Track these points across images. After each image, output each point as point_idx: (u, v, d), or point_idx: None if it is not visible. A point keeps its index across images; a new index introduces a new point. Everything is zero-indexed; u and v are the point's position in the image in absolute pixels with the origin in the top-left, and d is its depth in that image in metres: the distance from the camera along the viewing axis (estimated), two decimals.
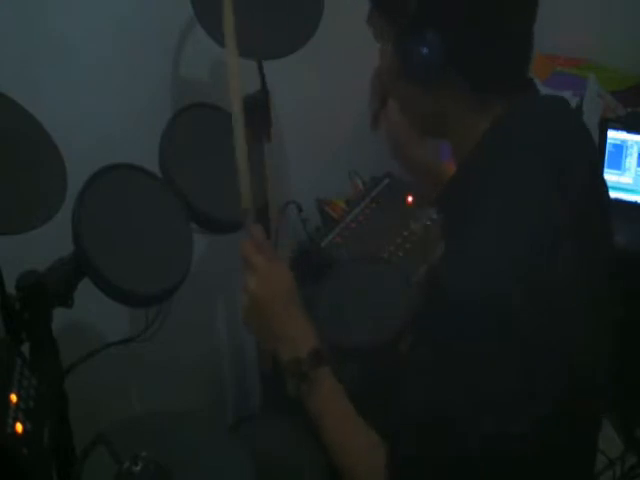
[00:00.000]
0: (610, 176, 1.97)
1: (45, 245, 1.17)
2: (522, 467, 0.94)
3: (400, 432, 0.97)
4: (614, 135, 1.96)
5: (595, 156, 1.09)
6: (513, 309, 0.89)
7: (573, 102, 2.19)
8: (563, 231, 0.96)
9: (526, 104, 1.03)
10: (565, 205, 0.98)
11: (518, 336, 0.89)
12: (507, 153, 0.99)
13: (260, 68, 1.54)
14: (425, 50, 0.95)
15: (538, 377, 0.91)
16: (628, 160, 1.96)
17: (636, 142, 1.95)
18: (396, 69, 1.00)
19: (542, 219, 0.95)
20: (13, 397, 0.96)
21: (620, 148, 1.96)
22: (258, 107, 1.55)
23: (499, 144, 1.00)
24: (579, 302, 0.96)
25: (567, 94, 2.23)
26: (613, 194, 1.95)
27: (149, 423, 1.30)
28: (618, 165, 1.96)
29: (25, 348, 1.11)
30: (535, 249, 0.93)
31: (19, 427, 0.94)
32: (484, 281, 0.90)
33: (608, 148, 1.96)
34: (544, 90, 2.37)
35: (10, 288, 1.08)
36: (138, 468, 1.10)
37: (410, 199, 2.01)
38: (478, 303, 0.89)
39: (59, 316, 1.15)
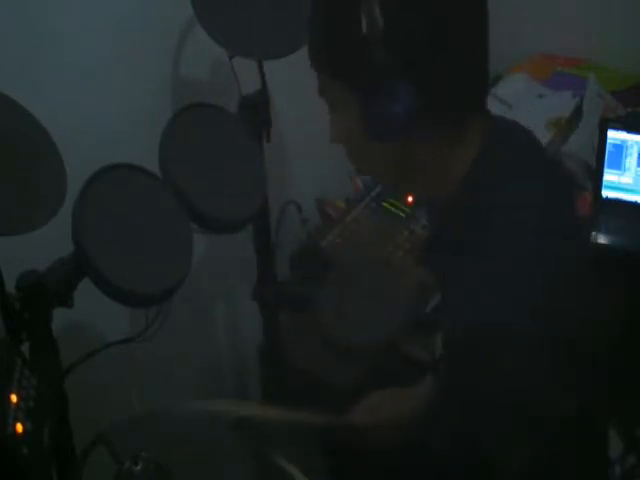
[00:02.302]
0: (610, 176, 1.97)
1: (45, 245, 1.17)
2: None
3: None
4: (614, 135, 1.95)
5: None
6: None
7: (573, 102, 2.19)
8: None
9: (499, 127, 1.04)
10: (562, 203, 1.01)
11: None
12: (503, 178, 1.00)
13: (260, 68, 1.54)
14: (401, 105, 0.94)
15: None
16: (628, 160, 1.96)
17: (636, 142, 1.95)
18: (363, 131, 0.99)
19: (549, 233, 0.97)
20: (13, 397, 0.96)
21: (620, 148, 1.96)
22: (258, 107, 1.55)
23: (492, 172, 1.00)
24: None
25: (567, 94, 2.23)
26: (613, 194, 1.97)
27: (149, 423, 1.30)
28: (618, 165, 1.96)
29: (25, 348, 1.11)
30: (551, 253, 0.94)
31: (19, 427, 0.94)
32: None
33: (608, 148, 1.96)
34: (544, 90, 2.38)
35: (10, 288, 1.08)
36: (138, 468, 1.10)
37: (410, 199, 2.01)
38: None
39: (59, 316, 1.15)
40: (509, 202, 0.97)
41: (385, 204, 2.03)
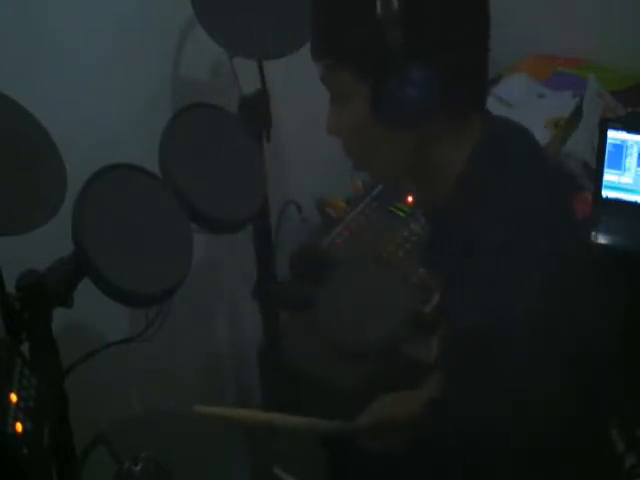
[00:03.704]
0: (610, 176, 1.97)
1: (45, 245, 1.17)
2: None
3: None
4: (614, 135, 1.95)
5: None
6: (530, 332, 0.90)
7: (573, 102, 2.19)
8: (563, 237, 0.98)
9: (497, 126, 1.04)
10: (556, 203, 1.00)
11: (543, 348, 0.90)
12: (499, 175, 0.99)
13: (260, 68, 1.54)
14: (415, 91, 0.92)
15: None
16: (628, 160, 1.96)
17: (636, 142, 1.95)
18: (370, 119, 0.97)
19: (547, 231, 0.96)
20: (13, 397, 0.96)
21: (620, 148, 1.96)
22: (258, 107, 1.55)
23: (488, 169, 0.99)
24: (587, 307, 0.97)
25: (567, 94, 2.23)
26: (613, 194, 1.97)
27: (149, 423, 1.30)
28: (618, 165, 1.96)
29: (25, 348, 1.11)
30: (547, 265, 0.93)
31: (19, 427, 0.94)
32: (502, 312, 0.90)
33: (608, 148, 1.96)
34: (544, 90, 2.38)
35: (10, 288, 1.08)
36: (138, 468, 1.10)
37: (410, 199, 2.01)
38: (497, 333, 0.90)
39: (59, 316, 1.15)
40: (501, 201, 0.97)
41: (385, 204, 2.02)
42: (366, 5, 0.92)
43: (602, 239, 1.87)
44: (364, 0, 0.92)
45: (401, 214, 1.99)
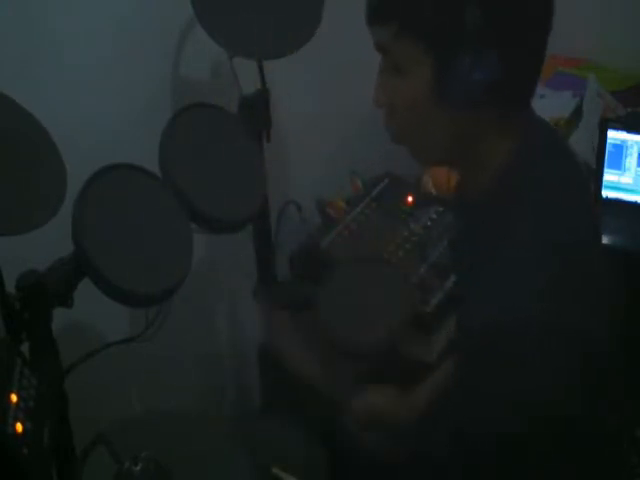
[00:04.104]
0: (610, 176, 1.97)
1: (45, 245, 1.17)
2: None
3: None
4: (614, 135, 1.95)
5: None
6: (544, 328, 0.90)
7: (573, 102, 2.19)
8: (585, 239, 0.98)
9: (539, 125, 1.04)
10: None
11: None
12: (542, 174, 0.99)
13: (260, 68, 1.54)
14: (481, 74, 0.90)
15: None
16: (628, 160, 1.96)
17: (636, 142, 1.95)
18: (430, 95, 0.94)
19: (572, 234, 0.96)
20: (13, 397, 0.96)
21: (620, 148, 1.96)
22: (258, 107, 1.55)
23: (531, 166, 0.99)
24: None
25: (567, 94, 2.23)
26: (613, 194, 1.97)
27: (149, 423, 1.30)
28: (618, 165, 1.96)
29: (25, 348, 1.11)
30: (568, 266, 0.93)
31: (19, 427, 0.94)
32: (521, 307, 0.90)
33: (608, 148, 1.96)
34: (544, 90, 2.38)
35: (10, 288, 1.08)
36: (138, 468, 1.10)
37: (410, 199, 2.01)
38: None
39: (59, 316, 1.15)
40: (538, 201, 0.97)
41: (385, 204, 2.02)
42: None
43: (602, 239, 1.87)
44: None
45: (401, 214, 1.99)
